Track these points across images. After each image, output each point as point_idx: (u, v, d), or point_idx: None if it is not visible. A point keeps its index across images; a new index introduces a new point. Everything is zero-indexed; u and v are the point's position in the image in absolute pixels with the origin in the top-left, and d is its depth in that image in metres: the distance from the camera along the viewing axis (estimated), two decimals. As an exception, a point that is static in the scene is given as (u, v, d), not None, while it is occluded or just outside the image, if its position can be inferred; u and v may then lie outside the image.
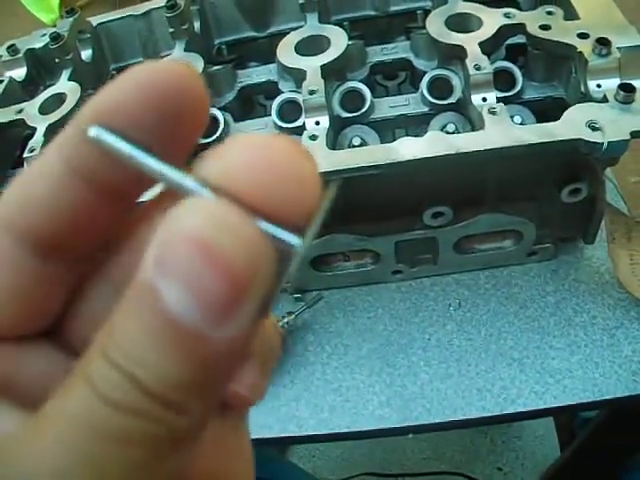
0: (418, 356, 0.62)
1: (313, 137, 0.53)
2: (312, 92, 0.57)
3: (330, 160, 0.50)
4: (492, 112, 0.51)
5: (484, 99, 0.54)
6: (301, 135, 0.57)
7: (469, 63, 0.55)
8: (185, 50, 0.67)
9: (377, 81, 0.71)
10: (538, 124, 0.49)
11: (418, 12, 0.70)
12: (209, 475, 0.18)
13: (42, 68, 0.74)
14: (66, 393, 0.13)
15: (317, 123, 0.56)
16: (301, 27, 0.71)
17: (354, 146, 0.58)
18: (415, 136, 0.66)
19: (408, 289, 0.66)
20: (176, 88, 0.14)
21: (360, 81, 0.63)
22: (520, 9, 0.67)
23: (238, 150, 0.13)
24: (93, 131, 0.14)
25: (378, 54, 0.66)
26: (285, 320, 0.62)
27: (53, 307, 0.17)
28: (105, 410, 0.13)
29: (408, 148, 0.49)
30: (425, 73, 0.63)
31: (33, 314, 0.16)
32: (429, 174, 0.52)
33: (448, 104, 0.59)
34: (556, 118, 0.58)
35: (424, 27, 0.66)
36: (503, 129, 0.49)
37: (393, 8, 0.72)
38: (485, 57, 0.55)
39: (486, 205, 0.58)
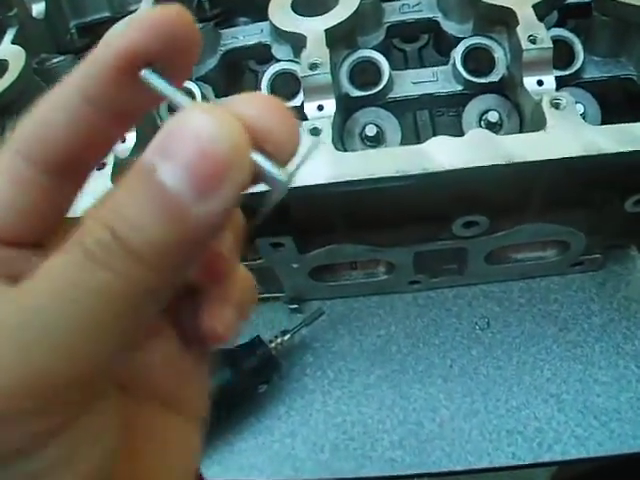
0: (437, 387, 0.52)
1: (315, 131, 0.41)
2: (314, 66, 0.44)
3: (340, 168, 0.38)
4: (555, 105, 0.39)
5: (540, 82, 0.42)
6: (300, 118, 0.45)
7: (521, 33, 0.42)
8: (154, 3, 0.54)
9: (393, 44, 0.58)
10: (616, 125, 0.38)
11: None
12: (163, 394, 0.21)
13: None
14: (58, 254, 0.15)
15: (320, 108, 0.44)
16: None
17: (368, 138, 0.46)
18: (440, 115, 0.55)
19: (427, 302, 0.55)
20: (180, 28, 0.17)
21: (374, 48, 0.50)
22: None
23: (245, 96, 0.17)
24: (144, 72, 0.17)
25: (396, 12, 0.53)
26: (279, 340, 0.52)
27: (55, 218, 0.19)
28: (92, 267, 0.15)
29: (444, 153, 0.38)
30: (455, 39, 0.50)
31: (36, 224, 0.18)
32: (465, 182, 0.41)
33: (488, 83, 0.46)
34: (621, 105, 0.46)
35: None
36: (571, 131, 0.37)
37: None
38: (542, 25, 0.43)
39: (530, 213, 0.46)
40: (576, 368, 0.51)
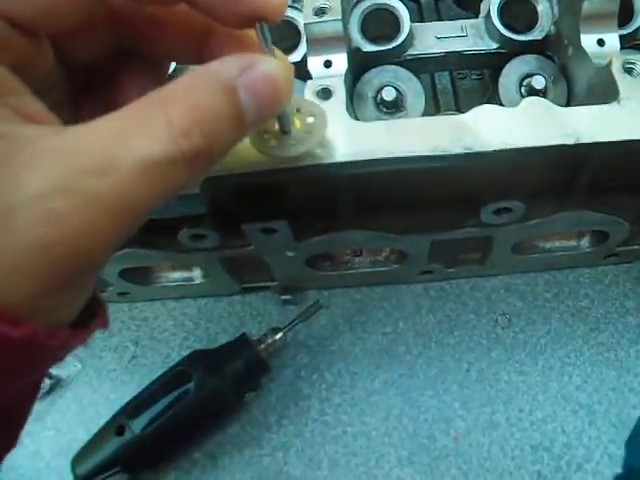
0: (452, 394, 0.45)
1: (325, 93, 0.33)
2: (320, 11, 0.36)
3: (358, 143, 0.30)
4: (628, 70, 0.31)
5: (601, 42, 0.34)
6: (301, 77, 0.37)
7: (578, -21, 0.34)
8: None
9: (407, -8, 0.49)
10: None
11: None
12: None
13: None
14: (144, 134, 0.19)
15: (327, 64, 0.36)
16: None
17: (384, 103, 0.38)
18: (463, 78, 0.47)
19: (440, 294, 0.48)
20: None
21: (388, -5, 0.42)
22: None
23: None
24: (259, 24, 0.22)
25: (416, -49, 0.44)
26: (269, 341, 0.44)
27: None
28: (169, 145, 0.19)
29: (492, 128, 0.30)
30: (486, -14, 0.42)
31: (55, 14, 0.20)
32: (511, 163, 0.33)
33: (530, 42, 0.38)
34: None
35: None
36: (648, 103, 0.30)
37: None
38: (604, -30, 0.35)
39: (572, 199, 0.39)
40: (609, 375, 0.45)
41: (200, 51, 0.25)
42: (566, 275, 0.48)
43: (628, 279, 0.48)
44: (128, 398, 0.44)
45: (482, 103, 0.44)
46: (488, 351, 0.46)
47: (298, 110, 0.28)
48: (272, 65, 0.21)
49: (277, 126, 0.27)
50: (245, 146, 0.27)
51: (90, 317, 0.22)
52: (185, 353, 0.46)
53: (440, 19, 0.50)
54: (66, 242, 0.17)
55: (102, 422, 0.43)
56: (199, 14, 0.23)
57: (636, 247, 0.46)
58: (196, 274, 0.48)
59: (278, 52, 0.24)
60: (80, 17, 0.21)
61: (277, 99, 0.22)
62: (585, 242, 0.45)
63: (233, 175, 0.29)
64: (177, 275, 0.49)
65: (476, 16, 0.42)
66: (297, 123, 0.28)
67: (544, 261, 0.47)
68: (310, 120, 0.28)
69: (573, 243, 0.45)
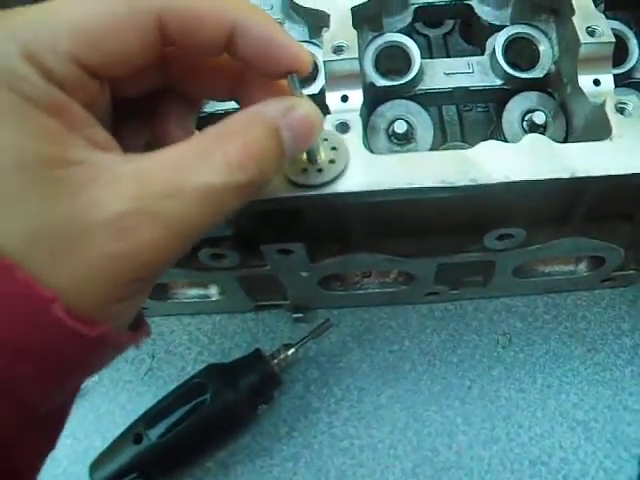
0: (455, 410, 0.47)
1: (343, 127, 0.35)
2: (339, 50, 0.39)
3: (374, 174, 0.33)
4: (620, 110, 0.34)
5: (597, 82, 0.37)
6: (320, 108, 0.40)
7: (578, 23, 0.37)
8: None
9: (415, 28, 0.52)
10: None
11: None
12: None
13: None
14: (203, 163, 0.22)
15: (344, 98, 0.38)
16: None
17: (396, 135, 0.40)
18: (469, 110, 0.50)
19: (444, 314, 0.51)
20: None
21: (400, 31, 0.45)
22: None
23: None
24: (290, 76, 0.26)
25: (425, -8, 0.47)
26: (282, 356, 0.47)
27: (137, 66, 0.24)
28: (227, 175, 0.22)
29: (498, 164, 0.32)
30: (490, 27, 0.45)
31: (123, 63, 0.23)
32: (513, 194, 0.36)
33: (532, 79, 0.41)
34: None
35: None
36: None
37: None
38: (602, 16, 0.37)
39: (570, 226, 0.42)
40: (605, 393, 0.47)
41: (233, 91, 0.28)
42: (564, 298, 0.51)
43: (623, 302, 0.50)
44: (143, 409, 0.46)
45: (487, 135, 0.47)
46: (489, 369, 0.48)
47: (324, 140, 0.31)
48: (308, 108, 0.25)
49: (305, 156, 0.30)
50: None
51: (135, 326, 0.24)
52: (199, 367, 0.48)
53: (448, 53, 0.53)
54: (135, 255, 0.20)
55: (118, 431, 0.45)
56: (237, 62, 0.25)
57: (631, 272, 0.48)
58: (213, 291, 0.50)
59: (305, 96, 0.27)
60: (139, 64, 0.24)
61: (311, 136, 0.26)
62: (582, 267, 0.48)
63: (260, 201, 0.32)
64: (194, 292, 0.51)
65: (481, 51, 0.44)
66: (322, 154, 0.31)
67: (544, 284, 0.49)
68: (334, 151, 0.31)
69: (571, 267, 0.48)
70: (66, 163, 0.20)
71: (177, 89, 0.28)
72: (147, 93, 0.28)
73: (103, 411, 0.50)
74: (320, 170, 0.31)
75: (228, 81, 0.28)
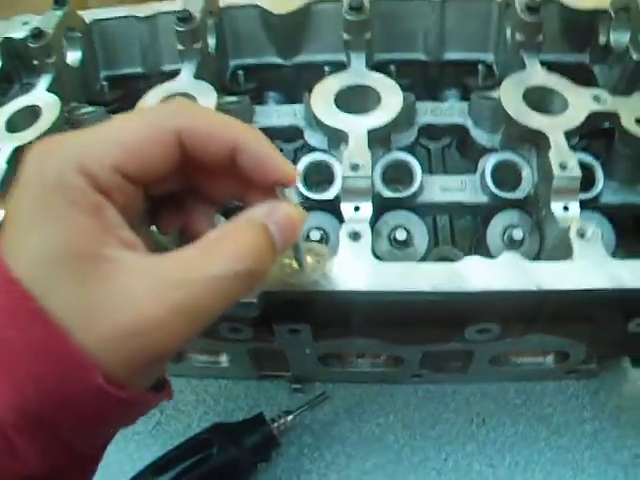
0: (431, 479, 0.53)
1: (355, 236, 0.42)
2: (355, 167, 0.45)
3: (378, 278, 0.40)
4: (581, 235, 0.41)
5: (566, 208, 0.45)
6: (332, 211, 0.47)
7: (553, 158, 0.45)
8: (195, 74, 0.55)
9: (418, 140, 0.61)
10: (638, 260, 0.40)
11: (479, 66, 0.59)
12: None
13: (20, 62, 0.60)
14: (212, 258, 0.27)
15: (357, 209, 0.45)
16: (338, 63, 0.60)
17: (397, 241, 0.48)
18: (459, 219, 0.57)
19: (426, 394, 0.57)
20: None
21: (405, 148, 0.52)
22: (597, 84, 0.58)
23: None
24: (278, 188, 0.32)
25: (428, 114, 0.55)
26: (282, 421, 0.52)
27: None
28: (227, 267, 0.27)
29: (479, 276, 0.40)
30: (483, 148, 0.53)
31: (159, 174, 0.30)
32: (490, 299, 0.43)
33: (514, 199, 0.49)
34: (632, 230, 0.49)
35: (486, 88, 0.57)
36: (596, 263, 0.40)
37: (448, 55, 0.61)
38: (573, 154, 0.45)
39: (537, 325, 0.49)
40: (566, 474, 0.53)
41: (240, 194, 0.33)
42: (534, 386, 0.57)
43: (587, 393, 0.57)
44: (150, 459, 0.50)
45: (474, 241, 0.54)
46: (463, 445, 0.54)
47: (309, 250, 0.38)
48: (289, 207, 0.30)
49: (294, 263, 0.36)
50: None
51: (157, 389, 0.30)
52: (205, 425, 0.53)
53: (445, 163, 0.61)
54: (149, 334, 0.25)
55: (125, 479, 0.50)
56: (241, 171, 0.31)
57: (592, 366, 0.55)
58: (223, 359, 0.56)
59: (289, 201, 0.32)
60: (165, 171, 0.29)
61: (295, 228, 0.30)
62: (550, 359, 0.55)
63: (280, 292, 0.38)
64: (205, 358, 0.57)
65: (474, 165, 0.51)
66: (309, 259, 0.37)
67: (515, 373, 0.56)
68: (318, 257, 0.38)
69: (540, 359, 0.55)
70: (102, 259, 0.25)
71: (196, 190, 0.34)
72: (173, 193, 0.34)
73: (112, 459, 0.54)
74: (306, 272, 0.37)
75: (235, 186, 0.33)
